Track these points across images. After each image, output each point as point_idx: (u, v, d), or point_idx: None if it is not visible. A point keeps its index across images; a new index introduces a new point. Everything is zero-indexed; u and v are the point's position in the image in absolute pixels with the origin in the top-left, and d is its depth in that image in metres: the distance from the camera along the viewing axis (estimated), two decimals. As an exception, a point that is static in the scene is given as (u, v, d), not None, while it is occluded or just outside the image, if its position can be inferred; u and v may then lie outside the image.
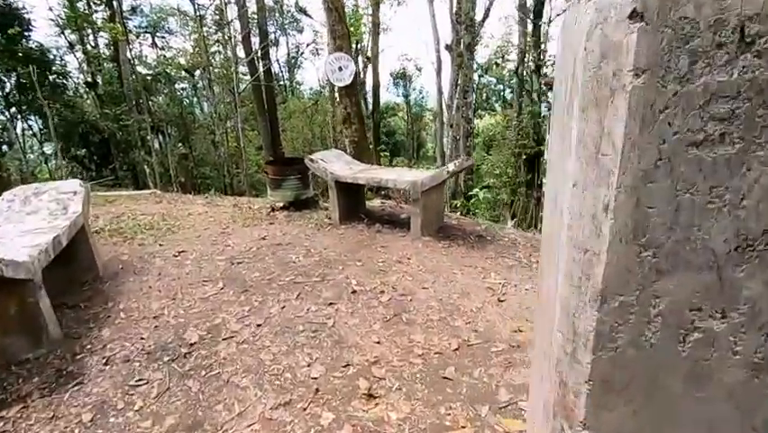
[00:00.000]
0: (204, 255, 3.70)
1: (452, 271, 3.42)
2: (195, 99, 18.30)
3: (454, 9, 10.86)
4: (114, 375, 2.19)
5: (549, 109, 12.88)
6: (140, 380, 2.16)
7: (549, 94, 12.84)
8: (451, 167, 4.07)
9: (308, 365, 2.27)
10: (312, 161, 4.48)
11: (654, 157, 0.58)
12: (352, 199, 4.67)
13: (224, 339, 2.50)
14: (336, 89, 7.10)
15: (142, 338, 2.50)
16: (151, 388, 2.11)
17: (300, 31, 20.64)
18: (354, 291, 3.06)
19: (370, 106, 15.50)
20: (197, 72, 15.74)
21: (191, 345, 2.44)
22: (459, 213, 8.49)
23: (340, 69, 5.95)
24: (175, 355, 2.34)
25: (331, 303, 2.90)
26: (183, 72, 15.62)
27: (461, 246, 4.01)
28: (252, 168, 14.24)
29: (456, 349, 2.41)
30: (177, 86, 16.48)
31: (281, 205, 4.99)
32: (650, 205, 0.60)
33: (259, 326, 2.64)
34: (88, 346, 2.42)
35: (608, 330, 0.64)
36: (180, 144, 15.11)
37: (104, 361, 2.30)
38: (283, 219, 4.78)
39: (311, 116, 16.05)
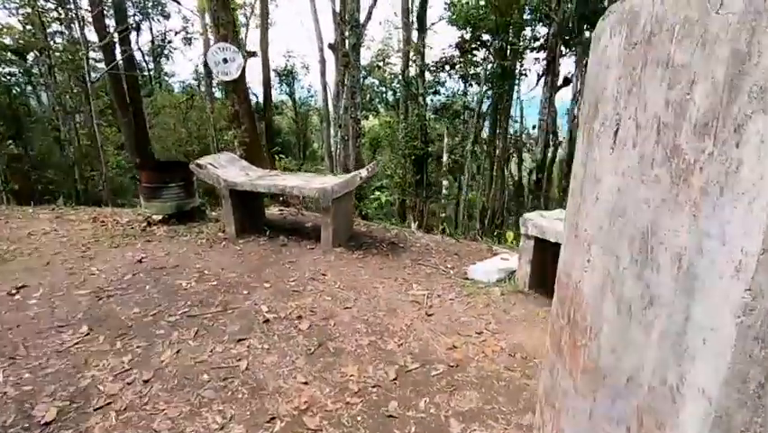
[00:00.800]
0: (57, 290, 2.86)
1: (372, 286, 3.17)
2: (29, 88, 15.03)
3: (338, 8, 10.62)
4: None
5: (434, 112, 13.50)
6: (-40, 497, 1.47)
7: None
8: (363, 173, 3.81)
9: (222, 428, 1.81)
10: (200, 166, 3.81)
11: None
12: (250, 209, 4.12)
13: (96, 409, 1.87)
14: (220, 84, 6.32)
15: (-38, 426, 1.75)
16: (-18, 507, 1.44)
17: (166, 17, 18.40)
18: (267, 321, 2.62)
19: (257, 105, 14.47)
20: (31, 55, 12.90)
21: (45, 425, 1.77)
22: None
23: (225, 60, 5.27)
24: (20, 446, 1.67)
25: (240, 339, 2.42)
26: (9, 54, 12.66)
27: (376, 256, 3.78)
28: (113, 170, 12.17)
29: (395, 379, 2.17)
30: (1, 70, 13.31)
31: (160, 218, 4.20)
32: None
33: (146, 382, 2.06)
34: None
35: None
36: (11, 142, 12.22)
37: None
38: (164, 235, 4.01)
39: (185, 113, 14.34)
